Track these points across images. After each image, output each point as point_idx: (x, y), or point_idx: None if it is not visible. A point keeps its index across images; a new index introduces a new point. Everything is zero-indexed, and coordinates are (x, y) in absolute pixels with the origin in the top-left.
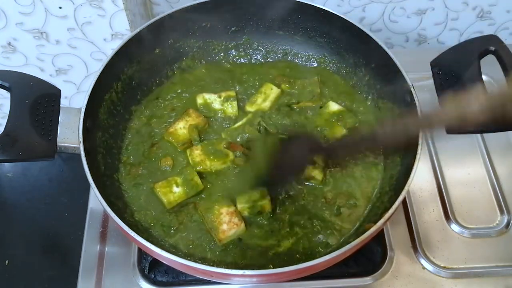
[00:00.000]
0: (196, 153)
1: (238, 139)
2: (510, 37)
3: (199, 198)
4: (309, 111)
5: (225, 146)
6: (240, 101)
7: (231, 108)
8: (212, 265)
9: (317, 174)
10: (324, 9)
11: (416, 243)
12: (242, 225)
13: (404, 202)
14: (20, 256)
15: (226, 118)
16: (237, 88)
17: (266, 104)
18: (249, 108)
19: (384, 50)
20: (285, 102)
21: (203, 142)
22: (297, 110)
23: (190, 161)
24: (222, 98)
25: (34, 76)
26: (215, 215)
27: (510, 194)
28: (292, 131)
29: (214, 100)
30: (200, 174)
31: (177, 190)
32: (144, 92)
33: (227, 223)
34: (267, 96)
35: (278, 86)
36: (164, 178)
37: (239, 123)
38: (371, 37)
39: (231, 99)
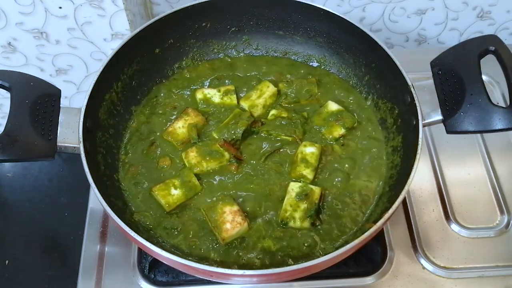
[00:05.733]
0: (192, 155)
1: (227, 136)
2: (510, 37)
3: (199, 198)
4: (307, 110)
5: (219, 144)
6: (239, 95)
7: (230, 102)
8: (213, 265)
9: (308, 173)
10: (324, 9)
11: (416, 243)
12: (245, 224)
13: (404, 202)
14: (20, 256)
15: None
16: (237, 84)
17: (260, 101)
18: (243, 103)
19: (384, 50)
20: (282, 102)
21: (197, 144)
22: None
23: (187, 164)
24: (222, 92)
25: (34, 76)
26: (218, 214)
27: (510, 194)
28: None
29: (214, 94)
30: (198, 175)
31: (175, 192)
32: (144, 92)
33: (230, 222)
34: (262, 93)
35: (276, 84)
36: (162, 179)
37: (227, 119)
38: (371, 37)
39: (231, 92)
